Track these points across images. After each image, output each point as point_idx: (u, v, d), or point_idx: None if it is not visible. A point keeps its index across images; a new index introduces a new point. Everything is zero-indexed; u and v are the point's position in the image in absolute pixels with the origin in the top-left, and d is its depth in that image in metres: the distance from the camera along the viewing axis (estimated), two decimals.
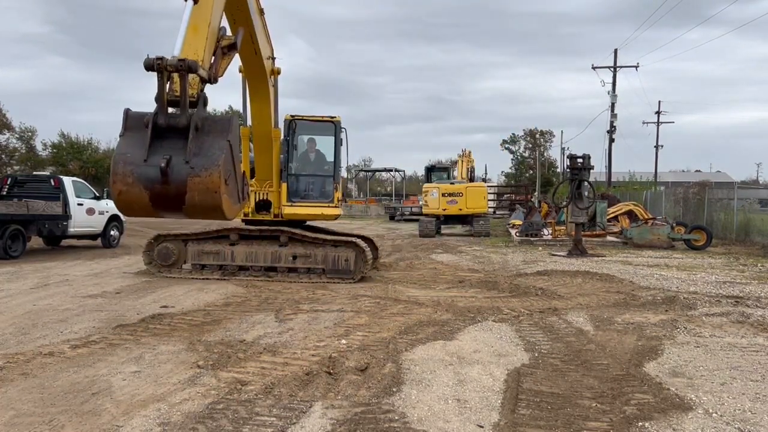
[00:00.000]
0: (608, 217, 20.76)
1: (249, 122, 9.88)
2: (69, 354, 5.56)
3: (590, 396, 4.60)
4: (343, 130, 11.13)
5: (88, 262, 12.92)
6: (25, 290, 9.15)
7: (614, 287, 9.99)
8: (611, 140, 37.36)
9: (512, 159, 76.92)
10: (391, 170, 47.97)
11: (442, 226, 23.15)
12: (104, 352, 5.67)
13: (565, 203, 17.46)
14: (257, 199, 10.89)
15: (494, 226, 26.21)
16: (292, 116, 10.99)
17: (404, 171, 49.20)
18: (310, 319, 7.22)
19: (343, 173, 32.10)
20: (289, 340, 6.18)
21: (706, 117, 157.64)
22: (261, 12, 7.94)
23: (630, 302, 8.60)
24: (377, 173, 60.46)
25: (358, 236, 11.29)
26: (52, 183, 15.34)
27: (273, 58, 8.78)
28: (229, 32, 6.17)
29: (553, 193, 21.46)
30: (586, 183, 15.65)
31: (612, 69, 37.54)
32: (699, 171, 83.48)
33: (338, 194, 11.27)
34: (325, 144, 11.41)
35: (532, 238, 19.53)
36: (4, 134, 42.85)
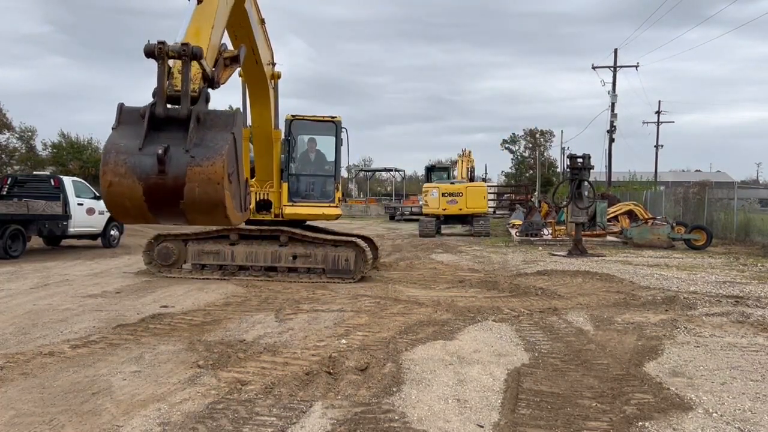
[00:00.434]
0: (608, 217, 20.76)
1: (249, 122, 9.86)
2: (69, 354, 5.56)
3: (590, 396, 4.60)
4: (343, 130, 11.14)
5: (88, 262, 12.92)
6: (25, 290, 9.15)
7: (614, 287, 9.98)
8: (611, 140, 37.38)
9: (512, 159, 76.95)
10: (391, 170, 47.97)
11: (442, 226, 23.14)
12: (104, 351, 5.67)
13: (565, 203, 17.45)
14: (258, 199, 10.89)
15: (494, 226, 26.21)
16: (292, 116, 11.00)
17: (404, 171, 49.25)
18: (310, 319, 7.22)
19: (344, 173, 32.21)
20: (289, 340, 6.18)
21: (706, 117, 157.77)
22: (262, 22, 7.79)
23: (630, 302, 8.60)
24: (377, 173, 60.45)
25: (358, 236, 11.29)
26: (52, 183, 15.34)
27: (273, 63, 8.68)
28: (230, 46, 6.09)
29: (553, 193, 21.46)
30: (586, 183, 15.65)
31: (612, 69, 37.55)
32: (699, 171, 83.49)
33: (339, 194, 11.28)
34: (325, 144, 11.41)
35: (532, 238, 19.53)
36: (4, 134, 42.83)
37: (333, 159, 11.30)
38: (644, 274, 11.57)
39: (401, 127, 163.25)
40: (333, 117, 11.18)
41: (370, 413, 4.18)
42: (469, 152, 33.50)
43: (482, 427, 4.00)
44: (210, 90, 4.93)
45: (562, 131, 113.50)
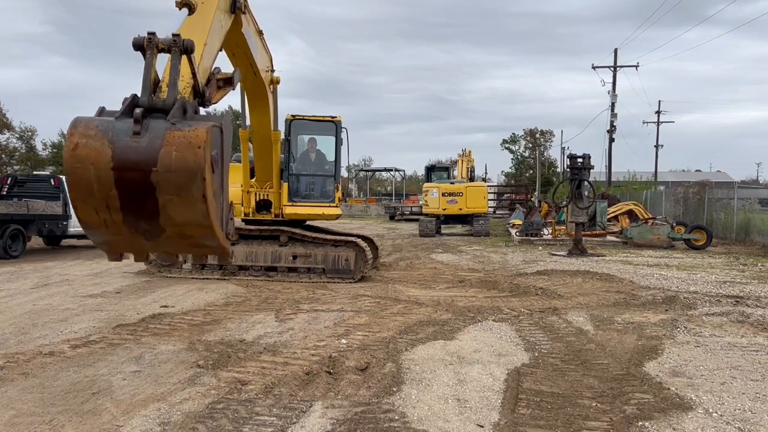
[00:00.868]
0: (608, 217, 20.75)
1: (248, 123, 9.85)
2: (69, 354, 5.56)
3: (590, 396, 4.60)
4: (343, 129, 11.13)
5: (88, 262, 12.92)
6: (25, 290, 9.15)
7: (614, 287, 9.98)
8: (611, 140, 37.34)
9: (512, 159, 77.00)
10: (391, 170, 47.97)
11: (442, 226, 23.14)
12: (104, 351, 5.67)
13: (565, 203, 17.45)
14: (258, 199, 10.89)
15: (494, 225, 26.21)
16: (292, 116, 11.00)
17: (404, 171, 49.28)
18: (310, 319, 7.22)
19: (344, 173, 32.15)
20: (289, 340, 6.18)
21: (706, 117, 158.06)
22: (260, 33, 7.49)
23: (630, 302, 8.60)
24: (377, 173, 60.47)
25: (358, 236, 11.29)
26: (52, 183, 15.35)
27: (272, 70, 8.55)
28: (225, 58, 5.93)
29: (553, 193, 21.45)
30: (586, 183, 15.64)
31: (612, 69, 37.52)
32: (699, 171, 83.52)
33: (339, 194, 11.27)
34: (325, 144, 11.40)
35: (532, 238, 19.53)
36: (4, 134, 42.89)
37: (333, 159, 11.29)
38: (644, 274, 11.57)
39: (401, 127, 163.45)
40: (333, 117, 11.17)
41: (370, 413, 4.18)
42: (469, 152, 33.47)
43: (482, 427, 4.00)
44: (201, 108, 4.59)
45: (562, 131, 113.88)
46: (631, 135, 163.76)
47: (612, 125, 37.15)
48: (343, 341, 6.13)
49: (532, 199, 38.58)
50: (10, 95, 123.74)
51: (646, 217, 20.39)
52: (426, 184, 25.64)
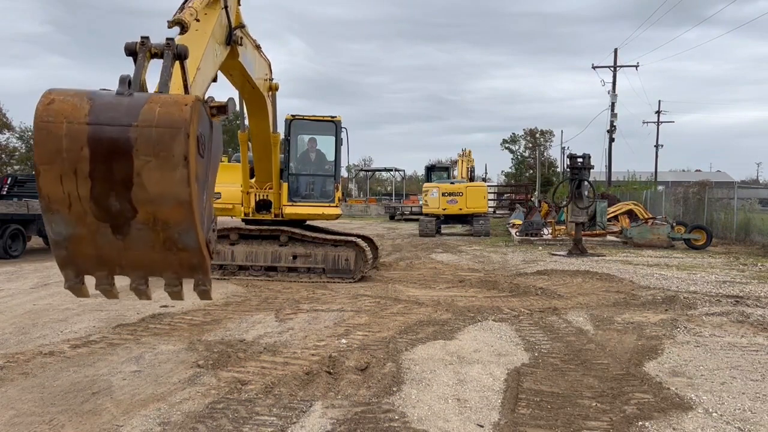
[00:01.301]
0: (608, 217, 20.75)
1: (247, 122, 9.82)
2: (69, 353, 5.56)
3: (590, 395, 4.60)
4: (343, 129, 11.13)
5: None
6: (25, 290, 9.15)
7: (614, 287, 9.98)
8: (611, 140, 37.33)
9: (512, 158, 77.00)
10: (391, 170, 47.95)
11: (442, 226, 23.14)
12: (104, 351, 5.67)
13: (565, 203, 17.45)
14: (258, 199, 10.89)
15: (494, 225, 26.21)
16: (292, 116, 11.00)
17: (404, 170, 49.25)
18: (310, 319, 7.22)
19: (344, 173, 32.10)
20: (289, 340, 6.18)
21: (706, 117, 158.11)
22: (257, 48, 7.24)
23: (630, 302, 8.60)
24: (377, 173, 60.46)
25: (358, 236, 11.29)
26: None
27: (270, 78, 8.45)
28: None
29: (553, 193, 21.45)
30: (586, 183, 15.65)
31: (612, 68, 37.51)
32: (699, 171, 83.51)
33: (339, 194, 11.27)
34: (325, 144, 11.40)
35: (532, 238, 19.53)
36: (4, 134, 42.88)
37: (333, 159, 11.29)
38: (644, 274, 11.57)
39: (401, 126, 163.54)
40: (333, 117, 11.17)
41: (370, 413, 4.18)
42: (469, 152, 33.45)
43: (482, 426, 4.00)
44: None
45: (562, 131, 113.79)
46: (631, 135, 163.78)
47: (612, 125, 37.15)
48: (343, 341, 6.14)
49: (532, 199, 38.58)
50: (11, 95, 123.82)
51: (646, 217, 20.39)
52: (426, 184, 25.63)
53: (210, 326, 6.76)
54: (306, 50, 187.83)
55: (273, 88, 8.62)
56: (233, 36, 5.52)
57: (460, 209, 22.14)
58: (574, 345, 6.13)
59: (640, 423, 4.06)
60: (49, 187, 3.45)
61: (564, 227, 19.52)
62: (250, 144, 10.35)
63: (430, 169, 33.01)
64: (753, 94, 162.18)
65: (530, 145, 75.64)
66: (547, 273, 11.66)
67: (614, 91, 37.26)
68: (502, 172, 78.29)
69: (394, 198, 45.17)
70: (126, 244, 3.60)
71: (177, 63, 4.09)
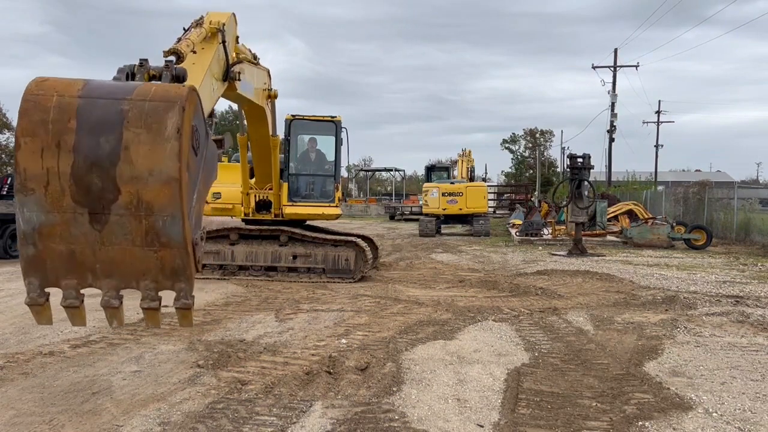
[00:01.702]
0: (608, 217, 20.75)
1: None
2: (69, 353, 5.56)
3: (590, 395, 4.60)
4: (343, 129, 11.13)
5: None
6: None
7: (614, 287, 9.98)
8: (611, 140, 37.33)
9: (512, 158, 77.00)
10: (391, 170, 47.95)
11: (442, 226, 23.14)
12: (104, 351, 5.67)
13: (565, 203, 17.45)
14: (257, 199, 10.89)
15: (494, 225, 26.21)
16: (292, 116, 11.00)
17: (404, 170, 49.26)
18: (310, 319, 7.22)
19: (344, 173, 32.07)
20: (289, 340, 6.18)
21: (706, 117, 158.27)
22: (255, 62, 7.13)
23: (630, 302, 8.60)
24: (377, 173, 60.47)
25: (358, 236, 11.29)
26: None
27: (269, 89, 8.39)
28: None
29: (553, 193, 21.45)
30: (586, 183, 15.64)
31: (612, 69, 37.50)
32: (699, 171, 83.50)
33: (339, 194, 11.27)
34: (325, 144, 11.40)
35: (532, 238, 19.52)
36: (4, 134, 42.88)
37: (333, 159, 11.29)
38: (644, 274, 11.57)
39: (401, 126, 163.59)
40: (333, 117, 11.17)
41: (370, 413, 4.18)
42: (469, 152, 33.45)
43: (482, 426, 4.00)
44: None
45: (562, 131, 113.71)
46: (631, 135, 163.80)
47: (612, 125, 37.14)
48: (343, 341, 6.13)
49: (532, 199, 38.57)
50: (11, 95, 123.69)
51: (646, 217, 20.39)
52: (426, 184, 25.63)
53: (210, 326, 6.75)
54: (305, 50, 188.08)
55: (272, 97, 8.59)
56: (231, 72, 5.43)
57: (460, 209, 22.14)
58: (574, 345, 6.13)
59: (640, 423, 4.06)
60: (27, 161, 3.20)
61: (564, 227, 19.52)
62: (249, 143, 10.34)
63: (430, 169, 33.01)
64: (753, 94, 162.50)
65: (530, 145, 75.64)
66: (547, 273, 11.66)
67: (614, 91, 37.26)
68: (502, 172, 78.36)
69: (394, 198, 45.17)
70: (103, 237, 3.32)
71: None
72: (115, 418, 4.02)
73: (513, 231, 22.45)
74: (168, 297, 3.65)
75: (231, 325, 6.83)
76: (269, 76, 8.12)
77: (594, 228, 19.49)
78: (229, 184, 10.74)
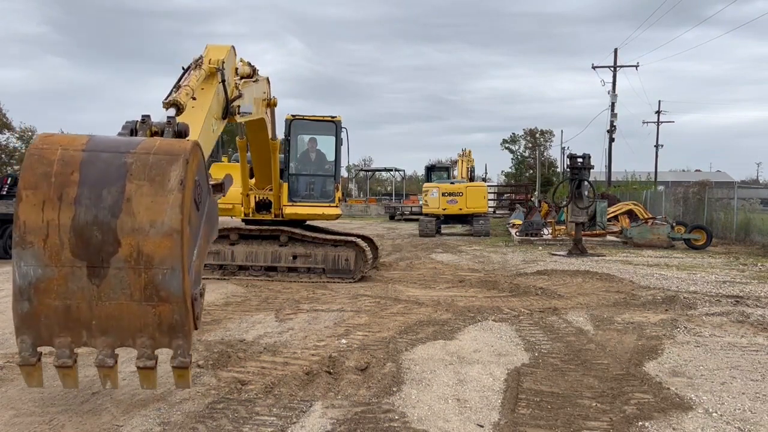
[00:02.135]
0: (608, 217, 20.75)
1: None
2: None
3: (590, 395, 4.60)
4: (343, 129, 11.13)
5: None
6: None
7: (614, 287, 9.98)
8: (611, 140, 37.32)
9: (512, 158, 76.96)
10: (391, 170, 47.95)
11: (442, 226, 23.13)
12: None
13: (565, 203, 17.45)
14: (257, 200, 10.89)
15: (494, 225, 26.21)
16: (292, 116, 11.00)
17: (404, 170, 49.27)
18: (310, 319, 7.22)
19: (344, 173, 32.02)
20: (289, 340, 6.18)
21: (706, 117, 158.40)
22: (253, 76, 7.02)
23: (630, 302, 8.60)
24: (377, 173, 60.45)
25: (358, 236, 11.29)
26: None
27: (269, 99, 8.36)
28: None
29: (553, 193, 21.45)
30: (586, 182, 15.64)
31: (612, 69, 37.50)
32: (699, 171, 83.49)
33: (339, 194, 11.27)
34: (325, 144, 11.40)
35: (532, 238, 19.52)
36: (4, 134, 42.90)
37: (333, 159, 11.29)
38: (644, 274, 11.57)
39: (401, 126, 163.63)
40: (333, 117, 11.17)
41: (370, 413, 4.18)
42: (469, 152, 33.44)
43: (482, 426, 4.00)
44: None
45: (562, 131, 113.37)
46: (631, 135, 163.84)
47: (612, 125, 37.13)
48: (343, 341, 6.13)
49: (532, 199, 38.57)
50: (10, 95, 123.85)
51: (646, 217, 20.39)
52: (426, 184, 25.63)
53: (210, 326, 6.75)
54: (304, 50, 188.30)
55: (272, 105, 8.57)
56: (230, 108, 5.44)
57: (460, 209, 22.14)
58: (574, 345, 6.13)
59: (640, 423, 4.06)
60: (27, 214, 3.21)
61: (564, 227, 19.52)
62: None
63: (430, 169, 33.01)
64: (753, 94, 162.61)
65: (530, 145, 75.61)
66: (547, 273, 11.66)
67: (614, 91, 37.25)
68: (502, 172, 78.31)
69: (394, 198, 45.16)
70: (100, 292, 3.28)
71: None
72: (115, 418, 4.02)
73: (513, 231, 22.45)
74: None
75: (231, 325, 6.83)
76: (268, 83, 8.09)
77: (594, 228, 19.49)
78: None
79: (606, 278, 10.92)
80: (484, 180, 40.88)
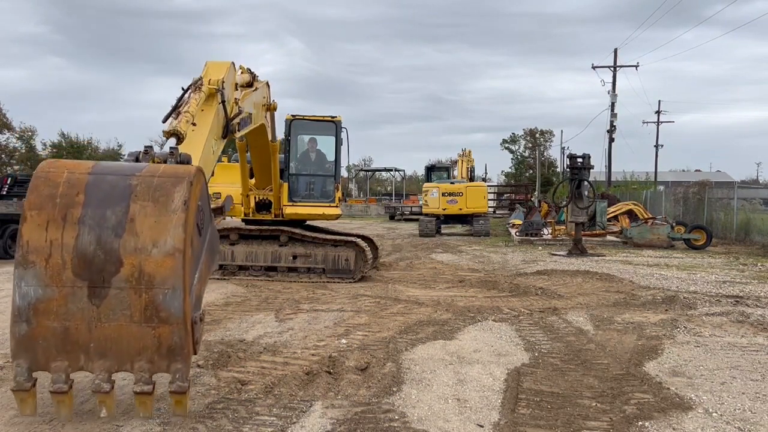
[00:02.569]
0: (608, 217, 20.75)
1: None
2: None
3: (590, 395, 4.60)
4: (343, 129, 11.13)
5: None
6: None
7: (614, 287, 9.98)
8: (611, 140, 37.31)
9: (512, 158, 76.89)
10: (391, 170, 47.95)
11: (442, 226, 23.14)
12: None
13: (565, 203, 17.45)
14: (257, 200, 10.89)
15: (494, 225, 26.21)
16: (292, 116, 10.99)
17: (404, 170, 49.27)
18: (310, 319, 7.22)
19: (344, 173, 32.00)
20: (289, 340, 6.18)
21: (705, 117, 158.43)
22: (253, 83, 7.00)
23: (630, 302, 8.60)
24: (377, 173, 60.46)
25: (358, 236, 11.29)
26: None
27: (268, 104, 8.35)
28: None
29: (553, 193, 21.45)
30: (586, 182, 15.65)
31: (612, 69, 37.49)
32: (699, 171, 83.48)
33: (339, 194, 11.27)
34: (325, 144, 11.40)
35: (532, 238, 19.53)
36: (4, 134, 42.86)
37: (333, 159, 11.29)
38: (644, 274, 11.57)
39: (401, 126, 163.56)
40: (333, 117, 11.17)
41: (370, 413, 4.18)
42: (469, 152, 33.44)
43: (482, 426, 4.00)
44: None
45: (562, 131, 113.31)
46: (631, 135, 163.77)
47: (612, 125, 37.12)
48: (343, 341, 6.13)
49: (532, 199, 38.57)
50: (10, 95, 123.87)
51: (646, 217, 20.39)
52: (426, 184, 25.63)
53: (210, 326, 6.75)
54: (304, 50, 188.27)
55: (271, 109, 8.55)
56: (230, 126, 5.46)
57: (460, 209, 22.14)
58: (574, 345, 6.13)
59: (640, 423, 4.06)
60: (31, 234, 3.25)
61: (564, 227, 19.52)
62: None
63: (430, 169, 33.00)
64: (752, 94, 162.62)
65: (530, 145, 75.55)
66: (547, 273, 11.66)
67: (614, 91, 37.23)
68: (502, 172, 78.23)
69: (394, 198, 45.17)
70: (100, 313, 3.26)
71: None
72: (114, 418, 4.02)
73: (513, 231, 22.46)
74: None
75: (231, 325, 6.83)
76: (268, 87, 8.09)
77: (594, 228, 19.49)
78: (228, 183, 10.74)
79: (606, 278, 10.92)
80: (484, 180, 40.88)
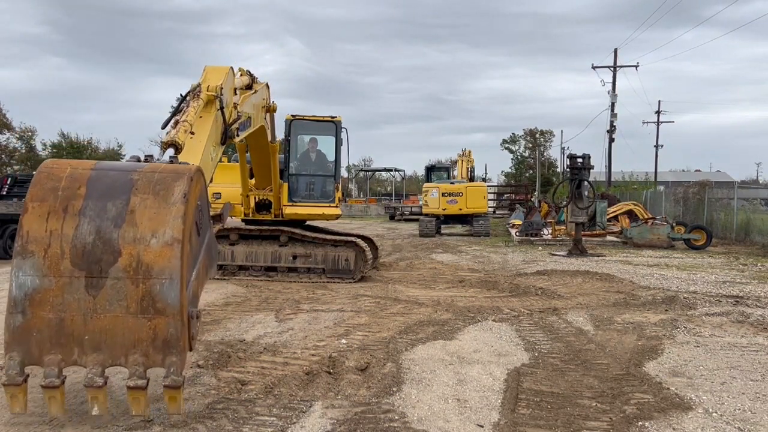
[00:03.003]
0: (608, 217, 20.75)
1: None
2: None
3: (590, 395, 4.60)
4: (343, 129, 11.14)
5: None
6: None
7: (614, 287, 9.98)
8: (611, 140, 37.32)
9: (512, 159, 76.89)
10: (391, 170, 47.95)
11: (442, 226, 23.14)
12: None
13: (565, 203, 17.45)
14: (257, 200, 10.89)
15: (494, 225, 26.20)
16: (292, 116, 11.00)
17: (404, 171, 49.30)
18: (310, 319, 7.22)
19: (344, 173, 32.02)
20: (289, 340, 6.18)
21: (705, 117, 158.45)
22: (253, 85, 7.00)
23: (630, 302, 8.60)
24: (377, 173, 60.47)
25: (358, 236, 11.29)
26: None
27: (268, 106, 8.35)
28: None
29: (553, 193, 21.45)
30: (586, 183, 15.65)
31: (612, 69, 37.49)
32: (699, 171, 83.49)
33: (339, 194, 11.27)
34: (325, 144, 11.40)
35: (532, 238, 19.52)
36: (4, 134, 42.88)
37: (333, 159, 11.30)
38: (644, 274, 11.57)
39: (400, 127, 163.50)
40: (333, 117, 11.18)
41: (370, 413, 4.18)
42: (469, 152, 33.44)
43: (482, 426, 4.00)
44: None
45: (562, 131, 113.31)
46: (631, 135, 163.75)
47: (612, 125, 37.13)
48: (343, 341, 6.13)
49: (532, 199, 38.57)
50: (10, 95, 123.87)
51: (646, 217, 20.39)
52: (426, 184, 25.63)
53: (210, 326, 6.75)
54: (304, 50, 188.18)
55: (271, 111, 8.53)
56: (229, 132, 5.46)
57: (460, 209, 22.14)
58: (574, 345, 6.13)
59: (640, 423, 4.06)
60: (31, 224, 3.28)
61: (564, 227, 19.52)
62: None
63: (430, 170, 33.00)
64: (752, 94, 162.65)
65: (530, 145, 75.55)
66: (547, 273, 11.66)
67: (614, 91, 37.23)
68: (502, 172, 78.23)
69: (394, 198, 45.18)
70: (96, 304, 3.26)
71: None
72: (115, 418, 4.02)
73: (513, 231, 22.45)
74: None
75: (231, 326, 6.83)
76: (268, 88, 8.08)
77: (594, 228, 19.49)
78: (229, 183, 10.74)
79: (606, 278, 10.92)
80: (483, 180, 40.87)
